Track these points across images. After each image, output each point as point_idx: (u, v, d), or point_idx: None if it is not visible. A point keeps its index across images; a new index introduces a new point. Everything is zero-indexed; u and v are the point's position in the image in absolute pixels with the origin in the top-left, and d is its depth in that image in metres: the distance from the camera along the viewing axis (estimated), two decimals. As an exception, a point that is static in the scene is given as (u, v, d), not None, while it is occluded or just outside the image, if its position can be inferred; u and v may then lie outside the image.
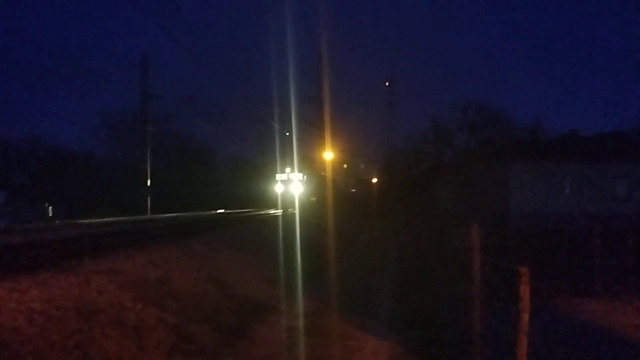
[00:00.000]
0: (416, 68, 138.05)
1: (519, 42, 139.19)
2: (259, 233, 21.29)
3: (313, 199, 58.73)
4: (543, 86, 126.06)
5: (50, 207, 36.45)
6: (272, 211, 44.20)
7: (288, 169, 56.59)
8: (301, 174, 56.35)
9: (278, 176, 57.34)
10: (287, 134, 47.38)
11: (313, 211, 40.21)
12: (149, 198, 42.93)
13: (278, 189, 56.35)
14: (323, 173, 43.41)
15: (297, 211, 36.07)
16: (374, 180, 69.82)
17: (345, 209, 45.71)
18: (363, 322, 10.55)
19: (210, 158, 68.63)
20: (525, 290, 5.74)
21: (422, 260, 18.15)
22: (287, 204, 49.86)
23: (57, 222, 27.46)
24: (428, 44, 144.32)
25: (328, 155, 37.20)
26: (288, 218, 30.89)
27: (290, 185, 55.37)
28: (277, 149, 54.40)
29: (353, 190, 77.98)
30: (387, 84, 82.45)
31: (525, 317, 5.72)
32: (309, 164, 57.40)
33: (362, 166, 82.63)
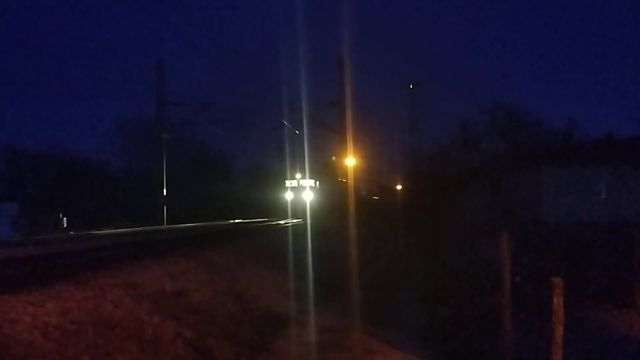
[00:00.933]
0: (441, 70, 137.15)
1: (551, 41, 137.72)
2: (278, 243, 21.33)
3: (335, 214, 58.11)
4: (576, 87, 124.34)
5: (64, 218, 36.90)
6: (282, 222, 41.07)
7: (299, 175, 54.54)
8: (313, 180, 54.70)
9: (288, 182, 55.18)
10: (298, 132, 46.36)
11: (328, 221, 39.33)
12: (165, 208, 43.24)
13: (288, 196, 54.19)
14: (342, 179, 43.56)
15: (308, 221, 35.28)
16: (398, 187, 69.51)
17: (367, 217, 45.52)
18: (388, 336, 10.49)
19: (227, 166, 68.86)
20: (559, 302, 5.67)
21: (450, 271, 18.02)
22: (298, 213, 48.11)
23: (71, 233, 27.80)
24: (453, 44, 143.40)
25: (350, 161, 37.12)
26: (302, 228, 30.59)
27: (301, 193, 53.77)
28: (287, 151, 52.46)
29: (376, 198, 77.69)
30: (410, 86, 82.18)
31: (560, 330, 5.65)
32: (329, 171, 57.21)
33: (386, 173, 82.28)
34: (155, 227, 34.02)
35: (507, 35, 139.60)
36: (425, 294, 15.96)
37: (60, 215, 36.93)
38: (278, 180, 58.52)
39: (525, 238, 19.06)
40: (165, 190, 43.80)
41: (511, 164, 42.10)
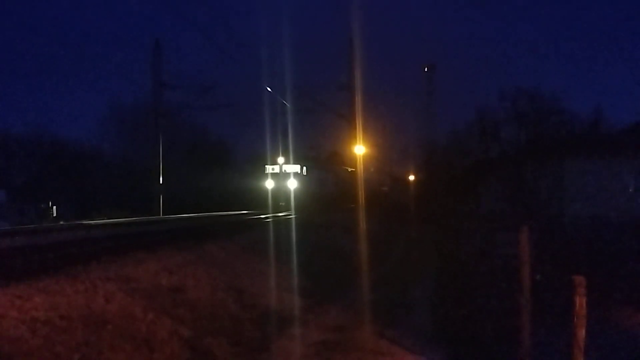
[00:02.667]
0: (459, 52, 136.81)
1: (577, 23, 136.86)
2: (279, 236, 21.34)
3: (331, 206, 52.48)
4: (604, 72, 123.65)
5: (54, 207, 37.06)
6: (263, 216, 34.79)
7: (281, 159, 49.46)
8: (298, 166, 50.75)
9: (268, 168, 50.30)
10: (285, 103, 41.78)
11: (319, 214, 35.86)
12: (161, 197, 43.28)
13: (268, 184, 48.84)
14: (349, 169, 43.26)
15: (292, 214, 33.55)
16: (411, 177, 69.45)
17: (377, 209, 45.42)
18: (399, 336, 10.50)
19: (226, 154, 68.39)
20: (581, 302, 5.66)
21: (466, 268, 18.01)
22: (282, 205, 44.31)
23: (61, 223, 27.93)
24: (472, 25, 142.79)
25: (359, 149, 36.97)
26: (313, 221, 30.24)
27: (284, 180, 49.12)
28: (267, 127, 46.69)
29: (385, 189, 77.67)
30: (425, 69, 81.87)
31: (582, 332, 5.64)
32: (337, 160, 56.90)
33: (397, 162, 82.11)
34: (151, 217, 34.10)
35: (530, 16, 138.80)
36: (439, 292, 15.97)
37: (50, 204, 37.09)
38: (258, 166, 53.16)
39: (547, 234, 19.07)
40: (161, 179, 43.81)
41: (533, 154, 41.88)
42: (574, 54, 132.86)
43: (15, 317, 6.86)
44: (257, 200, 47.13)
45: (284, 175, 49.49)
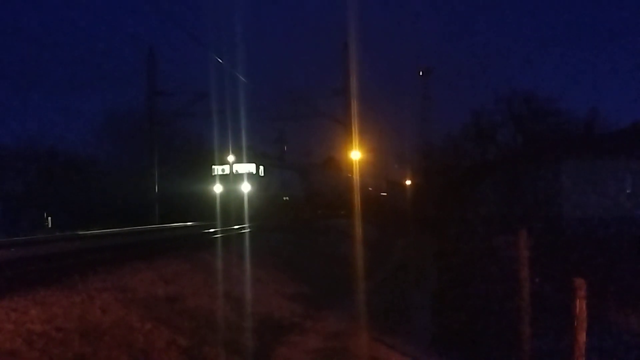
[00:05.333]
0: (454, 56, 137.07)
1: (571, 24, 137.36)
2: (278, 243, 21.30)
3: (286, 198, 45.60)
4: (599, 73, 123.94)
5: (49, 218, 36.94)
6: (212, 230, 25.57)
7: (231, 157, 39.84)
8: (254, 165, 40.14)
9: (215, 169, 40.84)
10: (221, 61, 33.16)
11: (278, 225, 29.61)
12: (157, 206, 43.12)
13: (216, 189, 39.59)
14: (347, 174, 42.88)
15: (246, 226, 27.45)
16: (407, 182, 69.56)
17: (375, 214, 45.34)
18: (398, 343, 10.49)
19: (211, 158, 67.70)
20: (581, 305, 5.65)
21: (464, 272, 18.02)
22: (235, 214, 33.66)
23: (57, 233, 27.84)
24: (467, 28, 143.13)
25: (355, 154, 37.02)
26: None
27: (237, 184, 39.45)
28: (214, 116, 41.25)
29: (384, 194, 77.71)
30: (420, 73, 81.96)
31: (582, 335, 5.63)
32: (333, 165, 56.51)
33: (396, 166, 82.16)
34: (147, 226, 34.03)
35: (524, 18, 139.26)
36: (437, 296, 15.96)
37: (45, 214, 36.98)
38: (205, 166, 42.87)
39: (545, 236, 19.08)
40: (157, 187, 43.63)
41: (529, 156, 41.98)
42: (570, 55, 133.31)
43: (11, 330, 6.82)
44: (206, 209, 38.63)
45: (235, 177, 40.11)
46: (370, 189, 72.92)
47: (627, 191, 34.23)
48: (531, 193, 37.48)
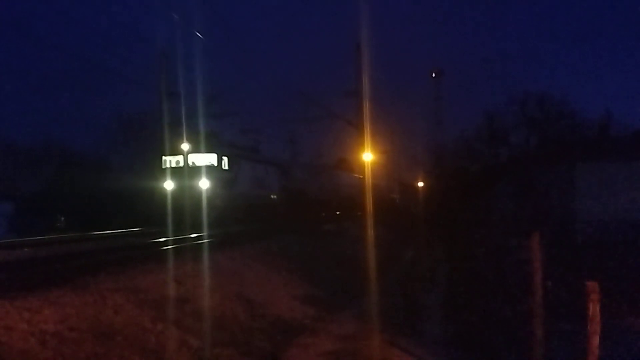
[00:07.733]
0: (467, 57, 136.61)
1: (586, 25, 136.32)
2: (288, 245, 21.28)
3: (274, 196, 38.55)
4: (615, 74, 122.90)
5: (62, 218, 37.12)
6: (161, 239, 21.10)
7: (185, 146, 31.10)
8: (215, 155, 31.34)
9: (166, 160, 31.88)
10: (200, 35, 28.80)
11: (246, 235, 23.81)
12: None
13: (167, 185, 30.53)
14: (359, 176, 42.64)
15: (205, 235, 22.32)
16: (420, 184, 69.36)
17: (386, 217, 45.14)
18: (410, 345, 10.45)
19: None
20: (594, 309, 5.61)
21: (477, 274, 17.94)
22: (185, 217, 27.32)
23: (70, 234, 27.98)
24: (480, 29, 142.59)
25: (367, 156, 36.96)
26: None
27: (193, 179, 30.47)
28: (163, 98, 34.48)
29: (395, 196, 77.55)
30: (433, 75, 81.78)
31: (596, 339, 5.60)
32: (346, 166, 56.29)
33: (405, 169, 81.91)
34: (160, 228, 34.10)
35: (538, 19, 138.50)
36: (450, 299, 15.90)
37: (59, 215, 37.18)
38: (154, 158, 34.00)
39: (558, 239, 18.97)
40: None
41: (543, 159, 41.75)
42: (583, 57, 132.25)
43: (25, 330, 6.87)
44: (154, 210, 31.43)
45: (191, 171, 31.06)
46: (395, 196, 71.78)
47: (642, 194, 33.95)
48: (545, 195, 37.27)
